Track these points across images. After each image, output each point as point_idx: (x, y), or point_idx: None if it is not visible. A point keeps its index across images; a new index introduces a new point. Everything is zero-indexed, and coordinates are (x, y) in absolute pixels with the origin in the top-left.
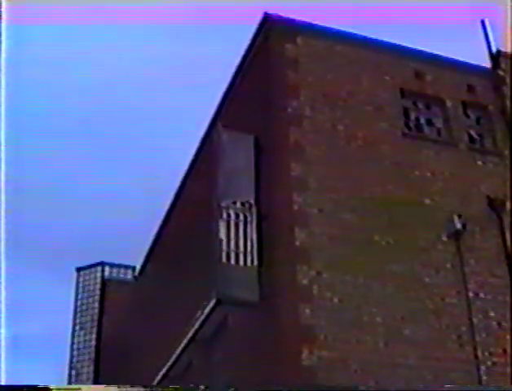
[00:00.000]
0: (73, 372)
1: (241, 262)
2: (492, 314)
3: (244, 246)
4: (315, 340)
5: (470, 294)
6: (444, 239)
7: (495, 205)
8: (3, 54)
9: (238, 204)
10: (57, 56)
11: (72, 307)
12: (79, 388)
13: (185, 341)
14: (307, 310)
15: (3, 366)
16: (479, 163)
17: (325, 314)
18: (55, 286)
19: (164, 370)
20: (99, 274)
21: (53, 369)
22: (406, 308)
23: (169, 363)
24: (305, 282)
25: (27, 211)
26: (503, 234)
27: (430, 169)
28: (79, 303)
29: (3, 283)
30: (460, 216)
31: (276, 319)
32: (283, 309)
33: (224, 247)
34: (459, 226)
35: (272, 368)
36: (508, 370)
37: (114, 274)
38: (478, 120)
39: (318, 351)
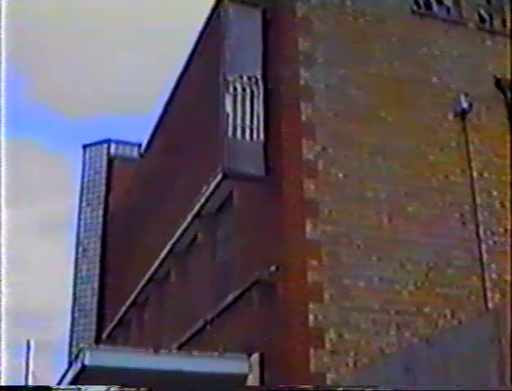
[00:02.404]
0: (80, 249)
1: (247, 137)
2: (495, 193)
3: (250, 121)
4: (319, 215)
5: (474, 173)
6: (450, 117)
7: (502, 85)
8: None
9: (244, 79)
10: None
11: (78, 184)
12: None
13: (190, 217)
14: (312, 185)
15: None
16: (488, 43)
17: (330, 189)
18: (61, 163)
19: (169, 245)
20: (105, 152)
21: (60, 246)
22: (410, 185)
23: (173, 239)
24: (310, 157)
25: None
26: (509, 114)
27: (439, 47)
28: (85, 180)
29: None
30: (467, 95)
31: (281, 194)
32: (288, 183)
33: (231, 121)
34: (465, 105)
35: (276, 242)
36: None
37: (120, 152)
38: (488, 0)
39: (322, 225)
